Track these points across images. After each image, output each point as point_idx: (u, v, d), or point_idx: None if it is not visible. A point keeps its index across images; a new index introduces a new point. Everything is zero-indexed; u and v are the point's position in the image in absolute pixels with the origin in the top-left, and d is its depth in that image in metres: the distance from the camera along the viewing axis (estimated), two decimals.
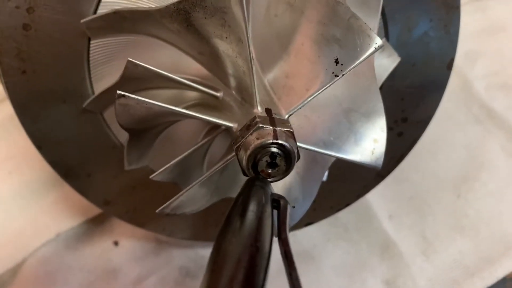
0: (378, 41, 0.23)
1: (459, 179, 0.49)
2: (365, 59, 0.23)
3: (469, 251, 0.44)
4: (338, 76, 0.24)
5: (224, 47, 0.24)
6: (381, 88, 0.34)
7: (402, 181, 0.48)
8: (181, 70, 0.30)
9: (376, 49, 0.23)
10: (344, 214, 0.45)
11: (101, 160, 0.35)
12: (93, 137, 0.33)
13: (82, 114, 0.32)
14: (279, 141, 0.22)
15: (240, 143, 0.23)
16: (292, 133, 0.23)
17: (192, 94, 0.30)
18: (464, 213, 0.46)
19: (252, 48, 0.23)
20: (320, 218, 0.43)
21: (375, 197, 0.47)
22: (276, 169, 0.23)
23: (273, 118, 0.23)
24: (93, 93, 0.31)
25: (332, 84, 0.24)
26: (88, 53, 0.30)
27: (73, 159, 0.35)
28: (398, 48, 0.33)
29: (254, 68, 0.23)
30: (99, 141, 0.34)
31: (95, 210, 0.45)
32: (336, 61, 0.24)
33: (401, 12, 0.32)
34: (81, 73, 0.31)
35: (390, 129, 0.37)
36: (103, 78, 0.31)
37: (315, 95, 0.24)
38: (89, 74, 0.31)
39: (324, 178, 0.35)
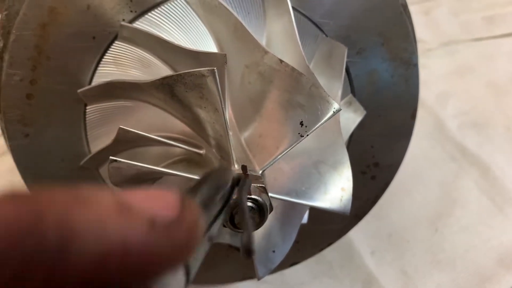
0: (336, 106, 0.27)
1: (435, 215, 0.52)
2: (325, 121, 0.27)
3: (446, 285, 0.47)
4: (303, 136, 0.27)
5: (204, 114, 0.27)
6: (351, 136, 0.38)
7: (382, 218, 0.51)
8: (169, 128, 0.34)
9: (335, 113, 0.27)
10: (329, 252, 0.48)
11: None
12: None
13: (79, 171, 0.35)
14: (253, 196, 0.25)
15: None
16: (264, 188, 0.26)
17: (179, 150, 0.34)
18: (441, 248, 0.49)
19: (227, 117, 0.26)
20: (304, 258, 0.45)
21: (357, 234, 0.50)
22: (251, 221, 0.26)
23: (248, 175, 0.27)
24: (89, 152, 0.35)
25: (298, 143, 0.27)
26: (85, 117, 0.34)
27: None
28: (364, 101, 0.37)
29: (229, 133, 0.27)
30: None
31: None
32: (301, 123, 0.27)
33: (365, 70, 0.36)
34: (78, 135, 0.34)
35: (363, 173, 0.41)
36: (99, 138, 0.34)
37: (284, 153, 0.28)
38: (86, 135, 0.34)
39: (305, 220, 0.38)
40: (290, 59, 0.30)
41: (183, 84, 0.26)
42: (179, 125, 0.33)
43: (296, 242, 0.37)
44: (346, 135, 0.36)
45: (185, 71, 0.26)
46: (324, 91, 0.27)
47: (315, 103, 0.27)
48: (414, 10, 0.71)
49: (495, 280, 0.47)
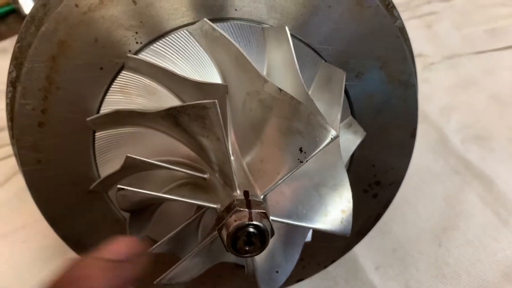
0: (333, 133, 0.28)
1: (439, 229, 0.52)
2: (323, 147, 0.28)
3: None
4: (302, 162, 0.28)
5: (207, 142, 0.29)
6: (352, 156, 0.39)
7: (386, 233, 0.52)
8: (175, 153, 0.35)
9: (332, 139, 0.28)
10: (333, 268, 0.49)
11: (106, 232, 0.39)
12: (99, 213, 0.38)
13: (89, 194, 0.37)
14: (254, 223, 0.26)
15: (221, 224, 0.27)
16: (265, 213, 0.27)
17: (184, 174, 0.35)
18: (445, 262, 0.50)
19: (229, 146, 0.28)
20: (309, 275, 0.46)
21: (361, 250, 0.50)
22: (252, 246, 0.27)
23: (250, 200, 0.28)
24: (99, 176, 0.36)
25: (298, 169, 0.28)
26: (94, 143, 0.35)
27: (82, 232, 0.39)
28: (364, 122, 0.38)
29: (231, 161, 0.28)
30: (104, 216, 0.38)
31: None
32: (300, 150, 0.28)
33: (364, 93, 0.37)
34: (87, 160, 0.35)
35: (365, 191, 0.41)
36: (108, 163, 0.36)
37: (284, 178, 0.29)
38: (95, 160, 0.36)
39: (309, 238, 0.39)
40: (289, 87, 0.31)
41: (187, 115, 0.27)
42: (184, 150, 0.34)
43: (301, 259, 0.38)
44: (346, 155, 0.37)
45: (188, 103, 0.27)
46: (322, 119, 0.28)
47: (313, 130, 0.28)
48: (416, 24, 0.72)
49: None
